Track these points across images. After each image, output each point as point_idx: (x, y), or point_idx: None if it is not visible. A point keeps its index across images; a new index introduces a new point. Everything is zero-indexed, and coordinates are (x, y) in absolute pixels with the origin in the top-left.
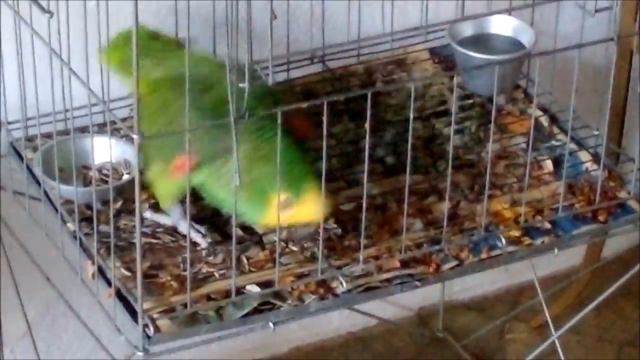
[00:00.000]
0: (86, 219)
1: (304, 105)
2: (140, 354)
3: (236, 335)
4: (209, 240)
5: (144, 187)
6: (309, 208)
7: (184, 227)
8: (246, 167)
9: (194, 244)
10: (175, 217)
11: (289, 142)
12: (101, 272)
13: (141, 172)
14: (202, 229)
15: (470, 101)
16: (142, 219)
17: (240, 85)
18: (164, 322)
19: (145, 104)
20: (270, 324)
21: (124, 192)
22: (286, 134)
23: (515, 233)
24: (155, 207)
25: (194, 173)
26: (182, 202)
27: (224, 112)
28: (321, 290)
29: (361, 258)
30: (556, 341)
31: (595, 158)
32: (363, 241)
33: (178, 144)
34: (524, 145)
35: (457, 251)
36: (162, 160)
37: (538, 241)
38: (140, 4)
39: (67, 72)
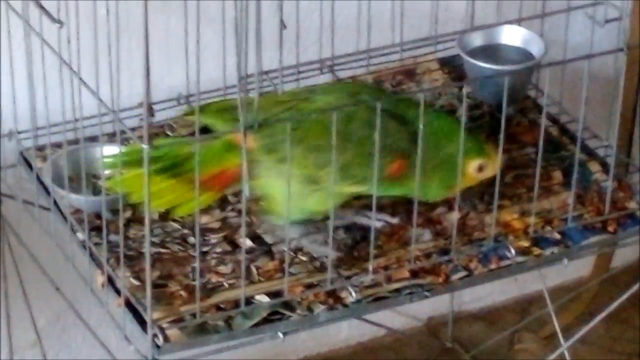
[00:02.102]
0: (96, 229)
1: (313, 116)
2: None
3: (245, 345)
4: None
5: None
6: (495, 164)
7: (305, 243)
8: (433, 151)
9: (204, 254)
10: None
11: (452, 117)
12: (110, 281)
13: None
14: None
15: (480, 111)
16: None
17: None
18: (173, 332)
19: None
20: (280, 334)
21: None
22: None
23: (525, 243)
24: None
25: (406, 177)
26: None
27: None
28: (330, 301)
29: (370, 268)
30: (565, 352)
31: (605, 168)
32: (372, 251)
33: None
34: (533, 156)
35: (466, 261)
36: (300, 181)
37: (547, 251)
38: (149, 15)
39: (77, 82)
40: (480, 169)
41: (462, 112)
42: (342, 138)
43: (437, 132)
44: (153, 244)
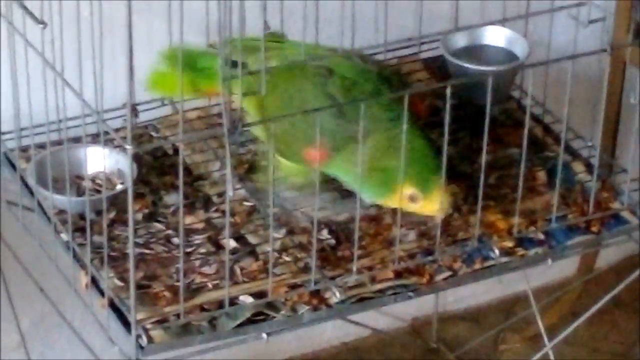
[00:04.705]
0: (79, 229)
1: (297, 114)
2: None
3: (229, 345)
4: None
5: (137, 196)
6: (433, 205)
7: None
8: (377, 156)
9: (188, 254)
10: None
11: (421, 134)
12: (94, 282)
13: (136, 183)
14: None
15: (464, 112)
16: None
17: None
18: (157, 333)
19: (266, 104)
20: (264, 335)
21: (118, 202)
22: (416, 123)
23: (509, 244)
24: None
25: (328, 163)
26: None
27: (353, 96)
28: (314, 301)
29: (355, 269)
30: (550, 352)
31: (589, 169)
32: (357, 252)
33: (306, 137)
34: (517, 156)
35: (450, 262)
36: (290, 158)
37: (531, 252)
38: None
39: (60, 83)
40: (412, 199)
41: (446, 113)
42: (287, 107)
43: (393, 138)
44: (137, 244)
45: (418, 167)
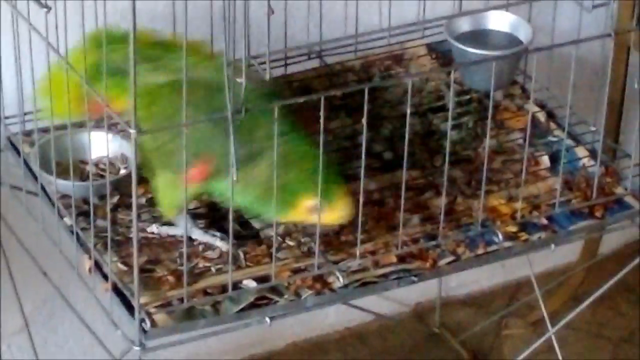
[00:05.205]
0: (83, 214)
1: (301, 100)
2: (136, 348)
3: (232, 330)
4: (227, 242)
5: (141, 181)
6: (337, 212)
7: (197, 234)
8: (275, 173)
9: (190, 239)
10: (187, 226)
11: (312, 144)
12: (98, 266)
13: (139, 168)
14: (218, 233)
15: (468, 97)
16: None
17: (238, 80)
18: (160, 317)
19: (152, 113)
20: (267, 319)
21: (121, 186)
22: (305, 134)
23: (512, 229)
24: (158, 219)
25: (213, 180)
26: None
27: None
28: (318, 285)
29: (358, 253)
30: (553, 337)
31: (592, 154)
32: (360, 236)
33: (193, 153)
34: (521, 141)
35: (453, 246)
36: (172, 171)
37: (535, 237)
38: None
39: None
40: (315, 210)
41: (450, 98)
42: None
43: (288, 154)
44: (140, 229)
45: (316, 177)
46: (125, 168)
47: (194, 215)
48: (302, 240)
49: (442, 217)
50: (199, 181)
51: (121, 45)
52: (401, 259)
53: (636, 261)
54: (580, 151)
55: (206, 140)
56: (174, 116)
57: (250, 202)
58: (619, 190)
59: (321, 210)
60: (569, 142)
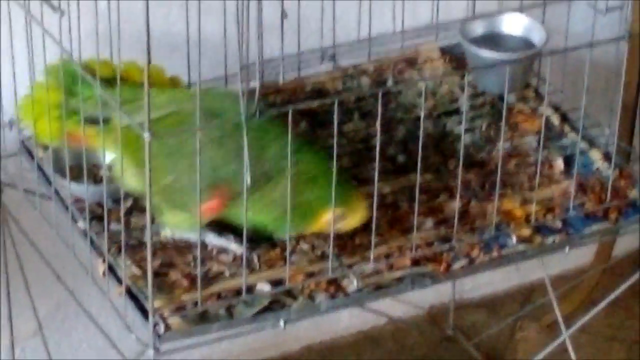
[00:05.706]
0: (97, 218)
1: (315, 103)
2: (151, 352)
3: (247, 333)
4: (241, 245)
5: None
6: (357, 216)
7: (211, 238)
8: (294, 191)
9: (203, 245)
10: (201, 230)
11: (326, 155)
12: (112, 270)
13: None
14: (231, 236)
15: (481, 100)
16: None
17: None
18: (174, 321)
19: (140, 159)
20: (281, 323)
21: None
22: (318, 145)
23: (526, 232)
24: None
25: (232, 204)
26: None
27: (240, 139)
28: (332, 289)
29: (372, 256)
30: (567, 340)
31: (606, 157)
32: (374, 240)
33: (207, 184)
34: (534, 144)
35: (467, 250)
36: (185, 210)
37: (549, 240)
38: (150, 4)
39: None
40: (338, 220)
41: (464, 101)
42: (169, 159)
43: (302, 173)
44: (154, 232)
45: (334, 190)
46: None
47: None
48: (316, 243)
49: (456, 220)
50: (215, 213)
51: (88, 91)
52: (415, 262)
53: None
54: (595, 154)
55: (218, 168)
56: (173, 154)
57: (270, 221)
58: (633, 193)
59: (344, 217)
60: (583, 145)
